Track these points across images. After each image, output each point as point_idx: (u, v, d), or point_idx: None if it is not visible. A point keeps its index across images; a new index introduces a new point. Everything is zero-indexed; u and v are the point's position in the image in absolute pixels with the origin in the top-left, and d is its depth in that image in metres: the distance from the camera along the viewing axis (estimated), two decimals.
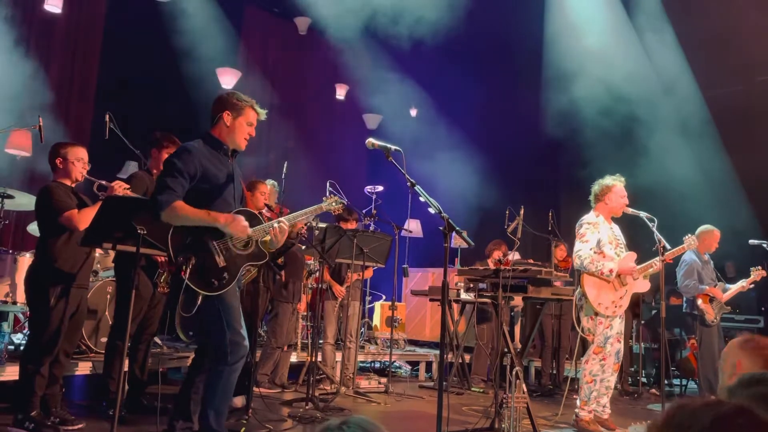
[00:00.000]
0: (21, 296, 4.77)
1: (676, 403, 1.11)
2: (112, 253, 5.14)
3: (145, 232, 3.33)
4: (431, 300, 8.07)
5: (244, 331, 3.34)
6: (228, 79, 9.38)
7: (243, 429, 4.11)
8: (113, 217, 3.56)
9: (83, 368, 4.87)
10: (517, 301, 6.13)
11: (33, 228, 4.81)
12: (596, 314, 4.86)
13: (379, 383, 6.18)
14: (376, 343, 7.96)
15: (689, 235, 5.38)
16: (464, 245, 7.83)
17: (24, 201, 5.33)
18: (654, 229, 4.86)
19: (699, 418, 1.03)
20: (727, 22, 8.26)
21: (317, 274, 6.30)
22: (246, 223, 3.31)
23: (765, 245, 6.67)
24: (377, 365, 7.83)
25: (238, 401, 4.64)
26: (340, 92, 10.98)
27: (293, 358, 6.34)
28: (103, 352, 4.55)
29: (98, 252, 5.35)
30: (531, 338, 6.18)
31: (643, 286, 5.14)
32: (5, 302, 4.85)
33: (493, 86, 10.07)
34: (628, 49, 9.08)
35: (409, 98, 10.60)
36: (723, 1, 8.44)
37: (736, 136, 8.70)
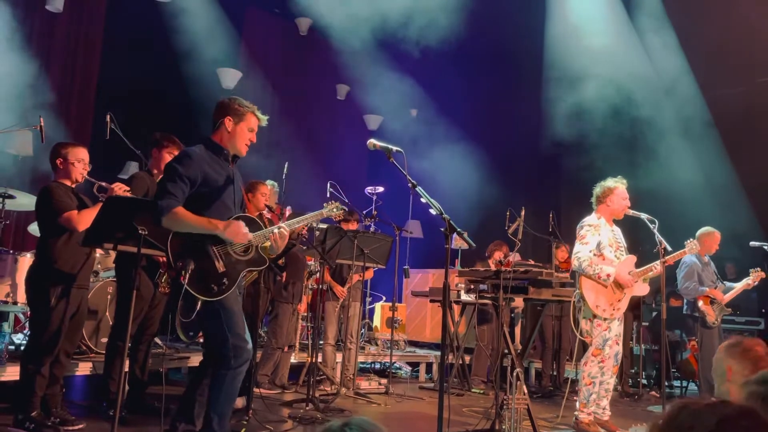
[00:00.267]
0: (21, 296, 4.77)
1: (678, 403, 1.10)
2: (113, 254, 5.14)
3: (146, 232, 3.33)
4: (432, 301, 8.06)
5: (247, 335, 3.34)
6: (229, 79, 9.38)
7: (243, 430, 4.11)
8: (114, 217, 3.56)
9: (84, 368, 4.87)
10: (518, 302, 6.13)
11: (34, 228, 4.81)
12: (594, 316, 4.85)
13: (380, 384, 6.17)
14: (377, 344, 7.96)
15: (691, 239, 5.38)
16: (465, 246, 7.83)
17: (25, 201, 5.33)
18: (655, 231, 4.85)
19: (703, 419, 1.02)
20: (727, 23, 8.26)
21: (318, 274, 6.30)
22: (246, 231, 3.31)
23: (766, 247, 6.66)
24: (377, 366, 7.83)
25: (239, 402, 4.63)
26: (341, 93, 10.99)
27: (293, 358, 6.34)
28: (104, 352, 4.55)
29: (99, 252, 5.35)
30: (531, 339, 6.17)
31: (642, 289, 5.13)
32: (6, 302, 4.85)
33: (493, 87, 10.06)
34: (629, 50, 9.08)
35: (410, 99, 10.60)
36: (724, 2, 8.44)
37: (736, 137, 8.70)
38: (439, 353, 6.90)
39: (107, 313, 5.27)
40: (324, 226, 5.74)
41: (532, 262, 5.31)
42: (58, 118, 7.37)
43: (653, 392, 7.31)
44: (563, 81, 9.13)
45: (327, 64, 10.47)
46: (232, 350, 3.26)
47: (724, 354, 2.05)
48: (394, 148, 3.41)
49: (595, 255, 4.88)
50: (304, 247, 5.89)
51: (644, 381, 7.55)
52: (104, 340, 5.02)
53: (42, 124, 4.72)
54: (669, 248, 4.91)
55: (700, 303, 6.35)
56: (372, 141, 3.47)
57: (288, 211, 5.62)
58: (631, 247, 5.20)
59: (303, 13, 9.81)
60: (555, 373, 7.24)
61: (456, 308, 7.48)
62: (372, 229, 7.20)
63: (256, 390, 4.75)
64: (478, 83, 10.13)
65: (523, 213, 5.33)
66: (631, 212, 5.02)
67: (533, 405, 4.76)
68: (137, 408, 4.37)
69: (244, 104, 3.51)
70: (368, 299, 8.59)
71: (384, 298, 9.01)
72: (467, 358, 7.26)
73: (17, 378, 3.88)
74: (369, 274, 6.78)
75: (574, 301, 5.04)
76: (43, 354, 3.79)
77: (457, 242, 7.35)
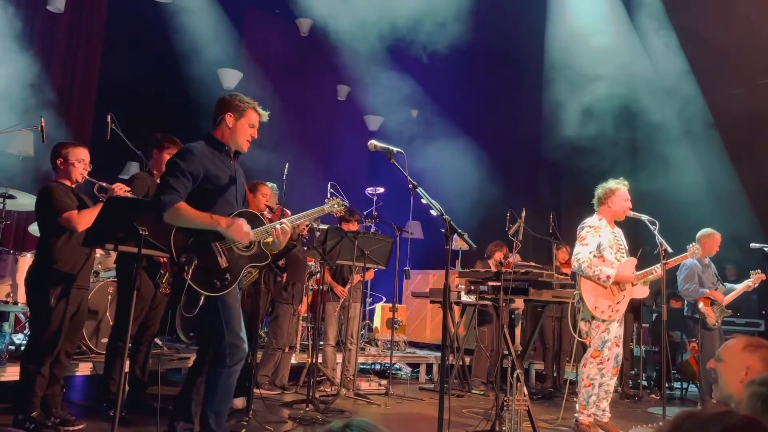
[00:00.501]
0: (22, 296, 4.77)
1: (684, 413, 1.10)
2: (113, 254, 5.14)
3: (147, 233, 3.33)
4: (432, 302, 8.06)
5: (243, 334, 3.35)
6: (229, 79, 9.39)
7: (243, 430, 4.11)
8: (115, 217, 3.56)
9: (84, 369, 4.87)
10: (518, 303, 6.12)
11: (34, 228, 4.81)
12: (593, 318, 4.85)
13: (380, 385, 6.17)
14: (377, 345, 7.96)
15: (693, 243, 5.38)
16: (465, 247, 7.82)
17: (26, 201, 5.33)
18: (655, 233, 4.85)
19: (708, 428, 1.02)
20: (728, 24, 8.25)
21: (318, 275, 6.30)
22: (248, 228, 3.31)
23: (766, 249, 6.65)
24: (378, 367, 7.82)
25: (239, 403, 4.64)
26: (342, 93, 10.98)
27: (294, 359, 6.34)
28: (104, 352, 4.55)
29: (99, 253, 5.36)
30: (532, 341, 6.16)
31: (642, 292, 5.13)
32: (6, 302, 4.85)
33: (494, 88, 10.06)
34: (630, 51, 9.08)
35: (411, 100, 10.59)
36: (724, 3, 8.44)
37: (737, 139, 8.70)
38: (439, 354, 6.90)
39: (107, 314, 5.27)
40: (325, 226, 5.74)
41: (533, 264, 5.31)
42: (58, 118, 7.38)
43: (653, 395, 7.30)
44: (564, 82, 9.12)
45: (327, 65, 10.48)
46: (228, 348, 3.26)
47: (742, 351, 2.02)
48: (395, 149, 3.40)
49: (595, 256, 4.87)
50: (305, 248, 5.89)
51: (644, 383, 7.54)
52: (104, 340, 5.02)
53: (43, 124, 4.72)
54: (670, 250, 4.91)
55: (701, 304, 6.35)
56: (373, 142, 3.47)
57: (288, 213, 5.61)
58: (633, 249, 5.19)
59: (304, 13, 9.81)
60: (555, 375, 7.24)
61: (456, 309, 7.48)
62: (372, 229, 7.19)
63: (256, 391, 4.74)
64: (478, 84, 10.13)
65: (523, 214, 5.32)
66: (632, 214, 5.02)
67: (533, 406, 4.75)
68: (137, 408, 4.36)
69: (245, 100, 3.51)
70: (368, 300, 8.58)
71: (384, 299, 9.00)
72: (467, 359, 7.26)
73: (17, 378, 3.88)
74: (369, 275, 6.77)
75: (573, 303, 5.04)
76: (43, 354, 3.79)
77: (458, 243, 7.34)
